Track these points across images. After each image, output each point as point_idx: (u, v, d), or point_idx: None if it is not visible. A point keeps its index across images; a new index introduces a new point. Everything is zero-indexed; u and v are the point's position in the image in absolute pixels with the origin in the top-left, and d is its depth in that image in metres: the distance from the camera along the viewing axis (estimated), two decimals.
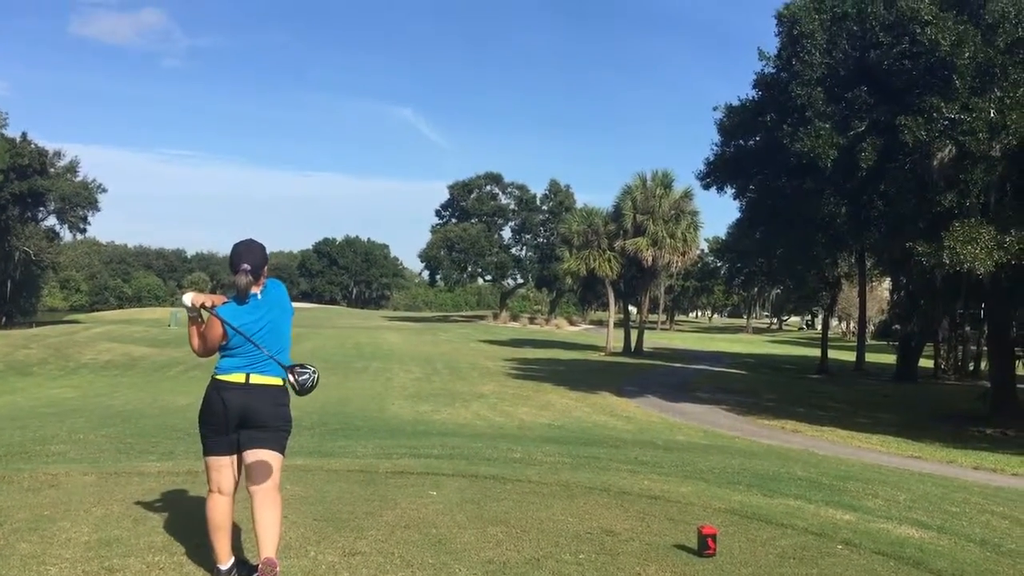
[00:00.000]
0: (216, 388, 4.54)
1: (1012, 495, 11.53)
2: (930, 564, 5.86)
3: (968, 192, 21.44)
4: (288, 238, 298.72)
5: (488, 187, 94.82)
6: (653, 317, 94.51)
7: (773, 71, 26.86)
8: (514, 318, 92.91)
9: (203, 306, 4.49)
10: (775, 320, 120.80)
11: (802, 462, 13.75)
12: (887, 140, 22.20)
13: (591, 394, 29.36)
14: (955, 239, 20.75)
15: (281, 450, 4.64)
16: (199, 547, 5.08)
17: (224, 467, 4.59)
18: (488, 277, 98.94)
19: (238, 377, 4.50)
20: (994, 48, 20.93)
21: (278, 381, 4.55)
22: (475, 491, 7.42)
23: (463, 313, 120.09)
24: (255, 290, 4.56)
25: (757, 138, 28.46)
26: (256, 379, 4.51)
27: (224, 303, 4.55)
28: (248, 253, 4.53)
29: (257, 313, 4.53)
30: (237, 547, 4.89)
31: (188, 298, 4.51)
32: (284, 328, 4.66)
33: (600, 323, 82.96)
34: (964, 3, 21.92)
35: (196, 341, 4.60)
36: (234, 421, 4.50)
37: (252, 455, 4.56)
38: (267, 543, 4.47)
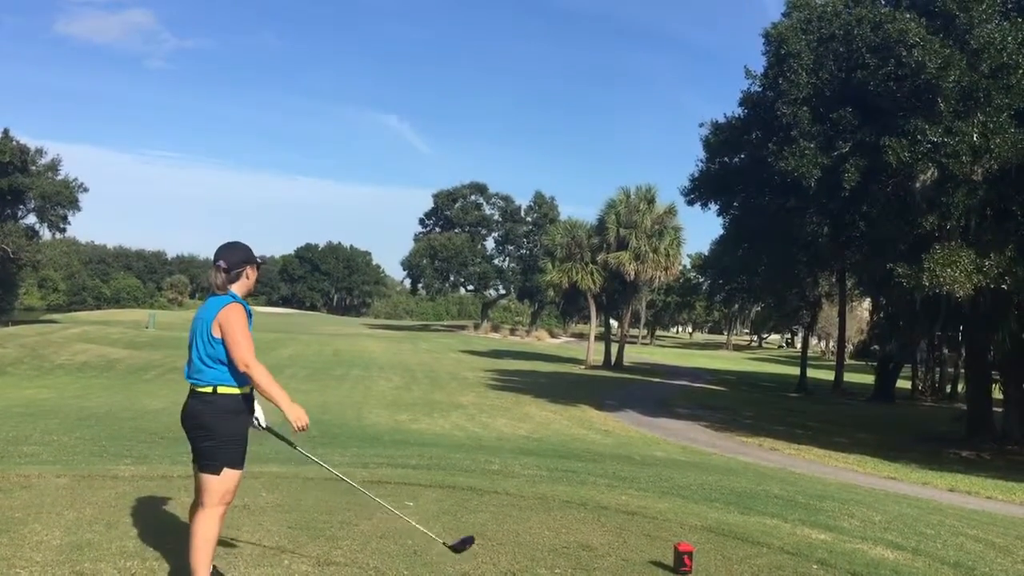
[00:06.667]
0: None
1: (986, 518, 11.58)
2: None
3: (949, 215, 21.59)
4: (270, 243, 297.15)
5: (473, 197, 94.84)
6: (634, 331, 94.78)
7: (759, 90, 26.98)
8: (495, 329, 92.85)
9: None
10: (755, 337, 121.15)
11: (779, 480, 13.78)
12: (871, 161, 22.33)
13: (570, 407, 29.35)
14: (935, 262, 20.88)
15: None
16: (172, 552, 5.04)
17: None
18: (470, 287, 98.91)
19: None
20: (979, 73, 21.11)
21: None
22: (452, 502, 7.40)
23: (444, 322, 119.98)
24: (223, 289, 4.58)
25: (742, 156, 28.59)
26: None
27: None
28: (225, 251, 4.58)
29: (197, 314, 4.58)
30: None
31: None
32: (205, 337, 4.50)
33: (581, 336, 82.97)
34: (951, 28, 22.11)
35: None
36: None
37: None
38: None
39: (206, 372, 4.41)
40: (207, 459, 4.38)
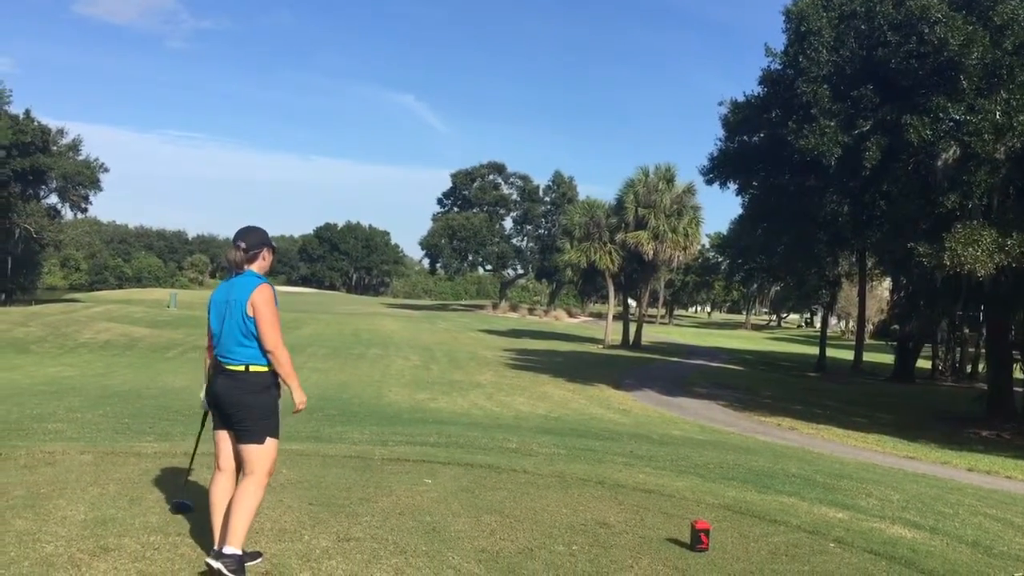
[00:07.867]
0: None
1: (1005, 498, 11.54)
2: (922, 564, 5.88)
3: (971, 194, 21.39)
4: (289, 222, 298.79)
5: (491, 176, 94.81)
6: (652, 311, 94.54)
7: (780, 68, 26.76)
8: (513, 308, 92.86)
9: None
10: (774, 317, 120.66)
11: (797, 459, 13.77)
12: (892, 139, 22.15)
13: (588, 386, 29.38)
14: (956, 241, 20.71)
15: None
16: (195, 527, 5.11)
17: None
18: (489, 267, 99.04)
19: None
20: (1002, 50, 20.86)
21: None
22: (470, 480, 7.44)
23: (463, 302, 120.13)
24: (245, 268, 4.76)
25: (761, 134, 28.37)
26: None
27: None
28: (245, 233, 4.79)
29: (220, 294, 4.76)
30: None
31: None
32: (239, 317, 4.63)
33: (599, 316, 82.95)
34: (974, 4, 21.84)
35: None
36: None
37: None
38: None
39: (239, 351, 4.61)
40: (249, 432, 4.62)
